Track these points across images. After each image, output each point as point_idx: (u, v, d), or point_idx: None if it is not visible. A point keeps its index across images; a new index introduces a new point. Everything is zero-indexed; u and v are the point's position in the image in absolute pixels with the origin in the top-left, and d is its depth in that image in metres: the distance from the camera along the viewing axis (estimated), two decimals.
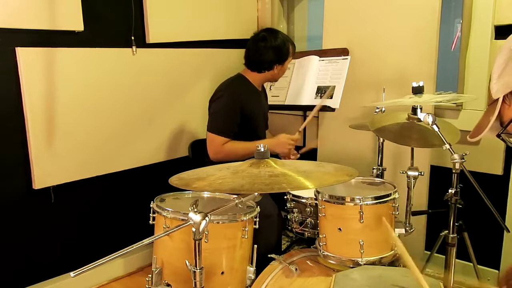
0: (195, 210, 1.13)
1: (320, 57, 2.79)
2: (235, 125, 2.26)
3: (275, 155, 2.56)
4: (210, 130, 2.26)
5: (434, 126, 1.61)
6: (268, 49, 2.30)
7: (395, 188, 1.78)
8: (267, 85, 2.93)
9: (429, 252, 2.06)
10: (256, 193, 1.26)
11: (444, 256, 1.74)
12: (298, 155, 2.45)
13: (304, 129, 3.01)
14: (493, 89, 1.04)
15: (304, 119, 2.99)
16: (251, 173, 1.24)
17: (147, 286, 1.50)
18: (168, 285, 1.50)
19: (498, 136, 1.07)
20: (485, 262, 2.42)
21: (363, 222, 1.62)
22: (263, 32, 2.36)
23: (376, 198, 1.65)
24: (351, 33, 2.69)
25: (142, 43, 2.52)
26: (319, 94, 2.68)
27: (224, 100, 2.27)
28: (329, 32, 2.80)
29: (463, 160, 1.57)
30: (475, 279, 2.13)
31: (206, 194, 1.79)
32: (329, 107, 2.57)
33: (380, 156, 2.25)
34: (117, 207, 2.63)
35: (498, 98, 1.03)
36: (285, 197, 2.02)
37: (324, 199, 1.69)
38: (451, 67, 2.60)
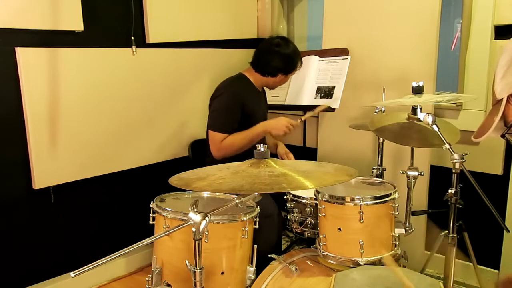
0: (195, 210, 1.13)
1: (320, 57, 2.79)
2: (236, 123, 2.25)
3: (275, 155, 2.56)
4: (210, 127, 2.26)
5: (434, 126, 1.61)
6: (278, 56, 2.30)
7: (395, 188, 1.78)
8: None
9: (429, 252, 2.06)
10: (256, 193, 1.26)
11: (444, 256, 1.74)
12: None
13: (304, 130, 3.03)
14: (497, 89, 1.04)
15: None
16: (251, 173, 1.24)
17: (147, 286, 1.50)
18: (168, 285, 1.50)
19: (503, 136, 1.07)
20: (485, 262, 2.42)
21: (363, 222, 1.62)
22: (278, 39, 2.36)
23: (376, 198, 1.65)
24: (351, 33, 2.69)
25: (142, 43, 2.52)
26: (319, 94, 2.68)
27: (225, 98, 2.27)
28: (329, 32, 2.80)
29: (463, 160, 1.57)
30: (475, 279, 2.12)
31: (206, 194, 1.79)
32: (329, 107, 2.57)
33: (380, 156, 2.25)
34: (117, 207, 2.63)
35: (502, 99, 1.03)
36: (285, 197, 2.02)
37: (324, 199, 1.69)
38: (451, 67, 2.60)
